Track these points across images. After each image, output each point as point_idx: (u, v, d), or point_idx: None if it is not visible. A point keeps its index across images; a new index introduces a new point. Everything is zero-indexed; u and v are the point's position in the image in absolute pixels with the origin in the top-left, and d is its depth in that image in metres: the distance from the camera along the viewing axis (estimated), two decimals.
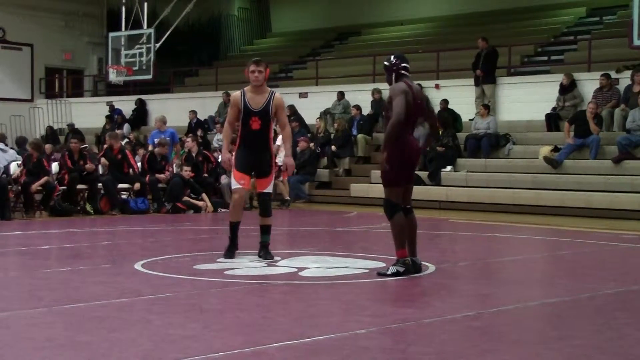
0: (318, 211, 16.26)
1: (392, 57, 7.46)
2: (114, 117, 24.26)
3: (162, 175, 15.43)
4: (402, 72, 7.35)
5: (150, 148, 17.59)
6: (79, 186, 14.54)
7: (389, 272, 7.18)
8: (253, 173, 8.29)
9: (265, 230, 8.30)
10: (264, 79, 8.08)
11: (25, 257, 8.85)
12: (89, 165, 14.58)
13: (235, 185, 8.24)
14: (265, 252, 8.25)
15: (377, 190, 17.50)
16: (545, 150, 16.52)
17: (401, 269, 7.16)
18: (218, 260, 8.13)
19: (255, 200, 14.11)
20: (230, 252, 8.27)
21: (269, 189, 8.28)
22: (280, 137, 17.07)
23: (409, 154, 7.27)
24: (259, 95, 8.07)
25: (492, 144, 17.45)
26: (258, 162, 8.16)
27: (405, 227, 7.29)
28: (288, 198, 16.77)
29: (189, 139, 16.50)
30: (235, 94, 8.18)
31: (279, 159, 16.98)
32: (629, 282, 7.38)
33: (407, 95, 7.18)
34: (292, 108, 20.67)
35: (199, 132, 20.34)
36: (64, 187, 14.36)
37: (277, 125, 8.81)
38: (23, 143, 15.69)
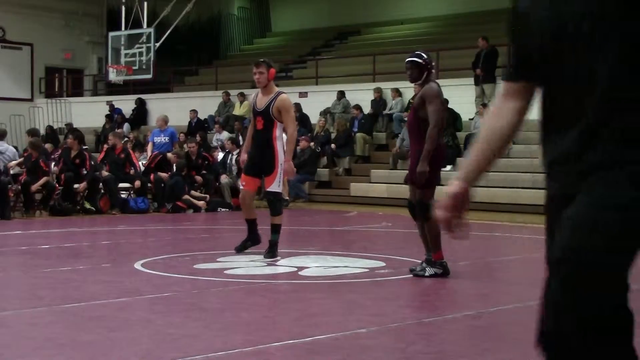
0: (318, 210, 16.25)
1: (424, 54, 7.23)
2: (114, 117, 24.26)
3: (164, 174, 15.37)
4: (433, 71, 7.30)
5: (150, 146, 17.55)
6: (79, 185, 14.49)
7: (427, 274, 7.14)
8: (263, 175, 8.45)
9: (271, 229, 8.36)
10: (267, 79, 8.16)
11: (26, 257, 8.84)
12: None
13: (240, 186, 8.63)
14: (267, 251, 8.29)
15: (377, 189, 17.55)
16: None
17: (439, 271, 7.15)
18: (218, 259, 8.14)
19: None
20: (242, 245, 8.45)
21: (273, 188, 8.29)
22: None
23: (443, 154, 7.33)
24: (265, 96, 8.25)
25: None
26: (261, 160, 8.26)
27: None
28: (287, 198, 16.71)
29: (192, 144, 16.41)
30: (252, 95, 8.57)
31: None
32: None
33: (441, 97, 7.17)
34: (297, 106, 20.65)
35: (198, 138, 20.30)
36: (62, 187, 14.34)
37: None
38: (35, 134, 15.71)
